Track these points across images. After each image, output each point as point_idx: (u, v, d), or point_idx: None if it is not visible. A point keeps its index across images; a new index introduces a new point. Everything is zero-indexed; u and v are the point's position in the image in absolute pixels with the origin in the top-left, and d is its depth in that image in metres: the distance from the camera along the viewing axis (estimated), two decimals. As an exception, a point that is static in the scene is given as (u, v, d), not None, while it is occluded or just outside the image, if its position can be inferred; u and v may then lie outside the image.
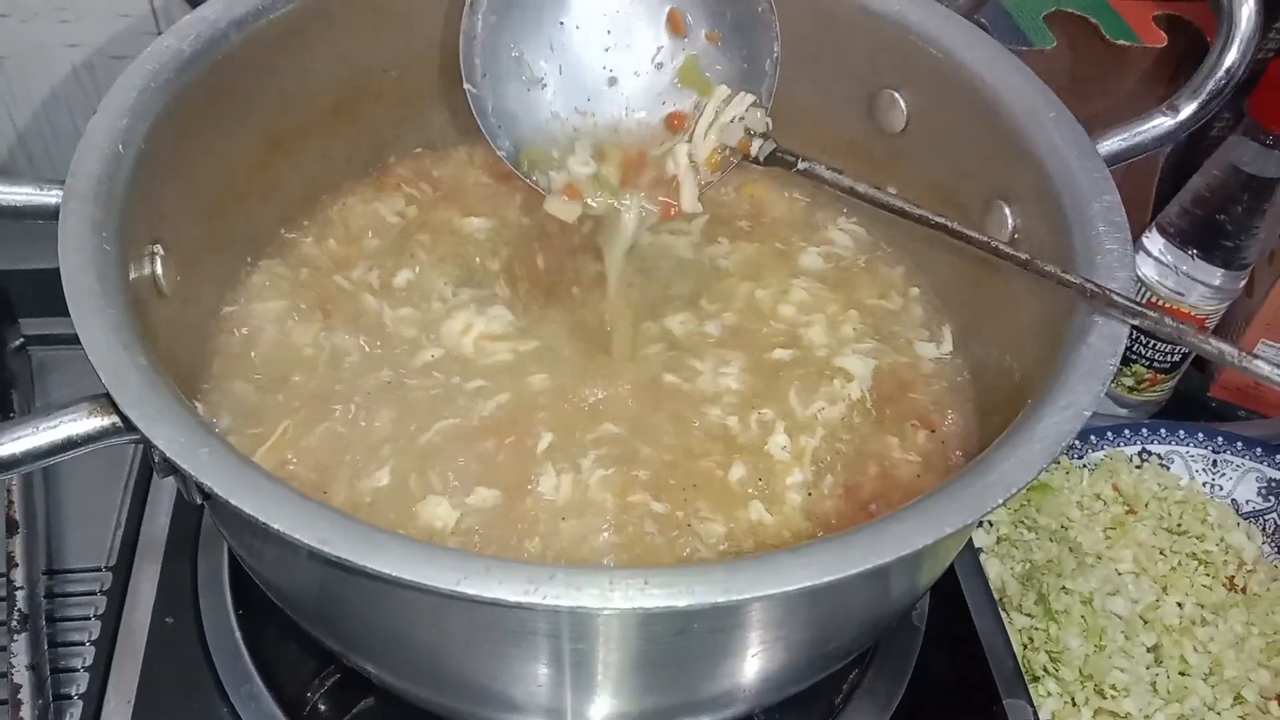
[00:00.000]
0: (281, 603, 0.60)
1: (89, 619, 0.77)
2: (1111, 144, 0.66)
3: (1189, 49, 0.95)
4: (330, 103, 0.76)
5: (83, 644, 0.75)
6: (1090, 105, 0.70)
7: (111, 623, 0.75)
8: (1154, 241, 0.96)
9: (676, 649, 0.50)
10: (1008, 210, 0.68)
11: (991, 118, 0.68)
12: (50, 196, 0.57)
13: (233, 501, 0.43)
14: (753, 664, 0.53)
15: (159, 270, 0.61)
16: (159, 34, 0.66)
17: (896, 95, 0.75)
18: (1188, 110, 0.65)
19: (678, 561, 0.59)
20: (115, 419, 0.48)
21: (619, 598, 0.42)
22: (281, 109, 0.72)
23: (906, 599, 0.60)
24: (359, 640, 0.59)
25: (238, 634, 0.73)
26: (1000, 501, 0.46)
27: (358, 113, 0.77)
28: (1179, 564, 0.95)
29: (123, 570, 0.78)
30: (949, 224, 0.65)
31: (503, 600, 0.41)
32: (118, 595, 0.76)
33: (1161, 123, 0.66)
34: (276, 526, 0.43)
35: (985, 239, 0.64)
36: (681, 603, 0.42)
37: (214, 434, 0.47)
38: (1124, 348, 0.54)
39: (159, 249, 0.61)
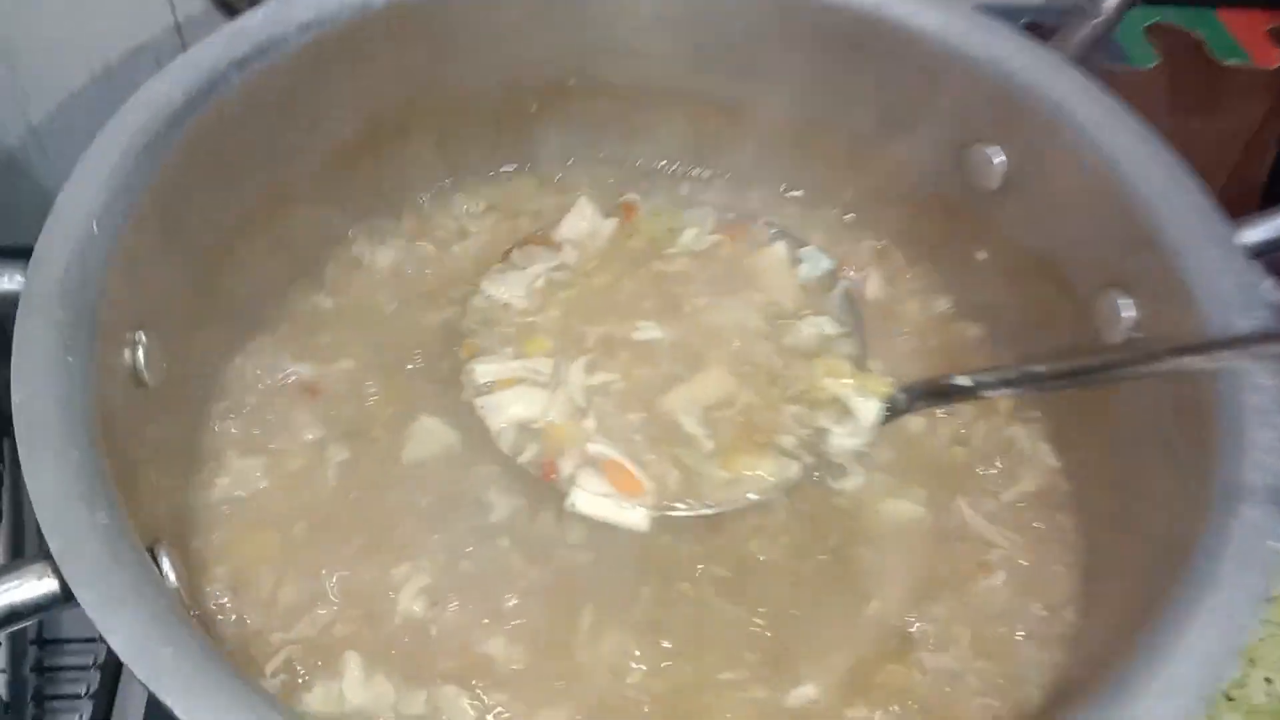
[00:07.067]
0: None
1: (79, 698, 0.71)
2: (1258, 232, 0.55)
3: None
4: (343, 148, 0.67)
5: (74, 725, 0.70)
6: (1187, 135, 0.59)
7: (104, 703, 0.69)
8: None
9: None
10: (1122, 301, 0.58)
11: (1107, 189, 0.58)
12: (11, 283, 0.49)
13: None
14: None
15: (141, 360, 0.53)
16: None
17: (989, 152, 0.65)
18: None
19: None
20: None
21: None
22: (288, 158, 0.63)
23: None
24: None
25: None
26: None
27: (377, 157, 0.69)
28: (1270, 635, 0.87)
29: (116, 648, 0.71)
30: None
31: None
32: (111, 671, 0.70)
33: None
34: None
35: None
36: None
37: (184, 620, 0.39)
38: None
39: (141, 336, 0.53)
